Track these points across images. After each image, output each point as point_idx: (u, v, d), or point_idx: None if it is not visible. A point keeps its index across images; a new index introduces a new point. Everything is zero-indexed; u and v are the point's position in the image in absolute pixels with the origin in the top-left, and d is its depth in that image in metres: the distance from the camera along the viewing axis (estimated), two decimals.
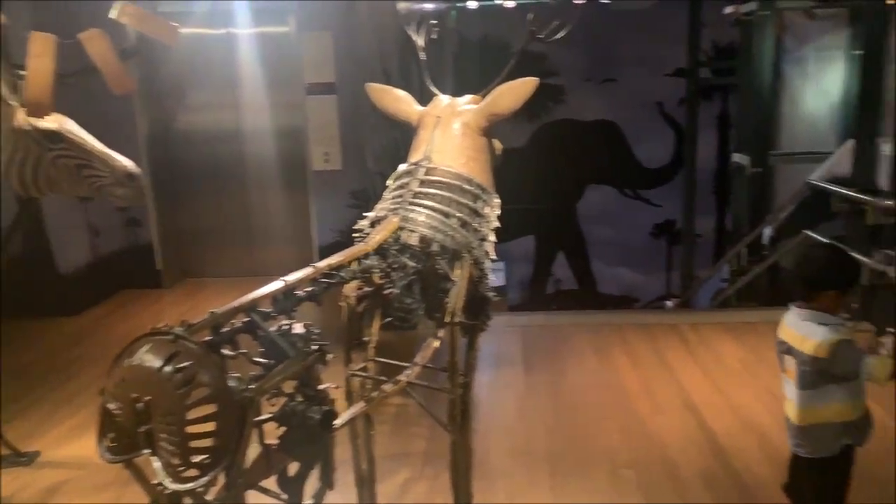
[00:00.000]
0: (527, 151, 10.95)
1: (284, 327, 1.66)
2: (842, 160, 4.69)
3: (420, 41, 2.61)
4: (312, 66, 5.27)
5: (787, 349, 2.08)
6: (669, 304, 8.43)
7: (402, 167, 2.36)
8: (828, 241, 4.43)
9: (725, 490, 2.80)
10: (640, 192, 10.71)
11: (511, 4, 7.96)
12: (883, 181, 4.18)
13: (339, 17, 5.00)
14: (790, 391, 2.11)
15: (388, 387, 2.18)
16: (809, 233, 4.72)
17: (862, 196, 4.09)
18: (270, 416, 1.55)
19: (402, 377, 2.20)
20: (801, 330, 2.04)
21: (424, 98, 2.52)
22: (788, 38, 7.61)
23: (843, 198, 4.29)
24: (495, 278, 2.89)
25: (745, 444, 3.10)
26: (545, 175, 10.91)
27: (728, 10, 6.21)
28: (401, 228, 2.13)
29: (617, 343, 4.36)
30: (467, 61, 9.57)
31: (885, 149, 4.14)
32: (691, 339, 4.38)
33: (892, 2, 4.24)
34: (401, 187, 2.28)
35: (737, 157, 5.91)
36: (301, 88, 5.33)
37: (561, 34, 2.46)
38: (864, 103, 4.34)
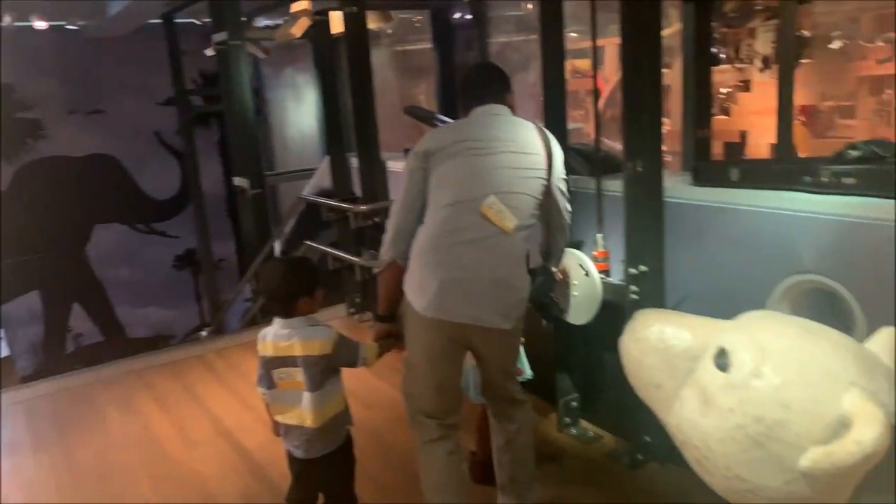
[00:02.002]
0: (11, 197, 9.45)
1: None
2: (324, 174, 5.25)
3: None
4: None
5: (281, 362, 2.17)
6: (204, 333, 8.32)
7: None
8: (321, 247, 4.94)
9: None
10: (152, 225, 10.29)
11: None
12: (358, 189, 4.81)
13: None
14: (293, 400, 2.19)
15: None
16: (310, 243, 5.17)
17: (342, 204, 4.65)
18: None
19: None
20: (299, 337, 2.16)
21: None
22: (266, 65, 8.21)
23: (329, 207, 4.82)
24: None
25: (276, 452, 3.21)
26: (41, 220, 9.60)
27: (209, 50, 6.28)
28: None
29: (144, 389, 4.09)
30: None
31: (354, 161, 4.78)
32: (218, 365, 4.37)
33: (337, 34, 4.88)
34: None
35: (238, 181, 6.10)
36: None
37: None
38: (329, 123, 4.93)
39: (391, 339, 2.38)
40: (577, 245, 3.05)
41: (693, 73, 3.23)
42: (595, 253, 2.94)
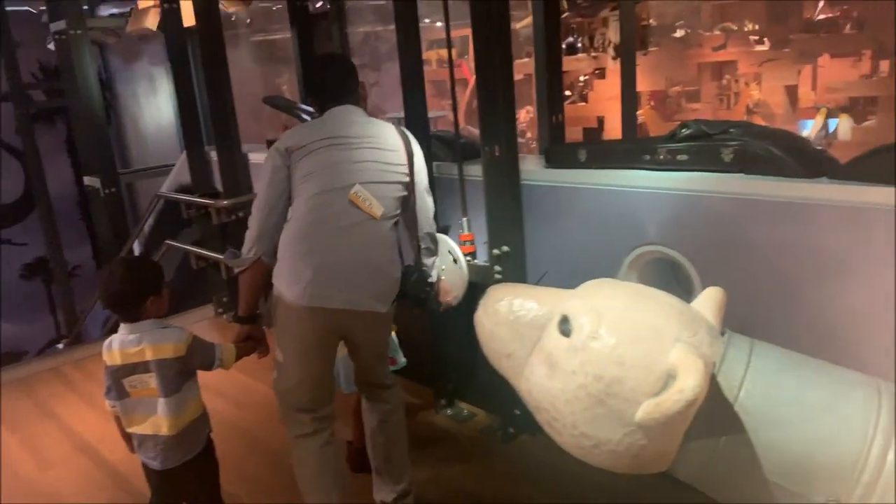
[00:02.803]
0: None
1: None
2: (182, 170, 5.02)
3: None
4: None
5: (131, 370, 2.06)
6: (60, 346, 7.73)
7: None
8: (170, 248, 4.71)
9: None
10: None
11: None
12: (219, 184, 4.64)
13: None
14: (147, 409, 2.09)
15: None
16: (171, 242, 4.93)
17: (202, 200, 4.47)
18: None
19: None
20: (149, 341, 2.06)
21: None
22: (114, 56, 7.71)
23: (189, 204, 4.61)
24: None
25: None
26: None
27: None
28: None
29: None
30: None
31: (214, 155, 4.60)
32: (76, 377, 4.10)
33: (191, 25, 4.66)
34: None
35: (88, 180, 5.70)
36: None
37: None
38: (185, 117, 4.71)
39: (251, 341, 2.32)
40: (445, 230, 3.11)
41: (544, 62, 3.36)
42: (460, 236, 3.01)
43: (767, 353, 1.39)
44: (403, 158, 2.34)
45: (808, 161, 2.15)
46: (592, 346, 1.30)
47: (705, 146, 2.31)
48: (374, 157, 2.28)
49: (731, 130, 2.29)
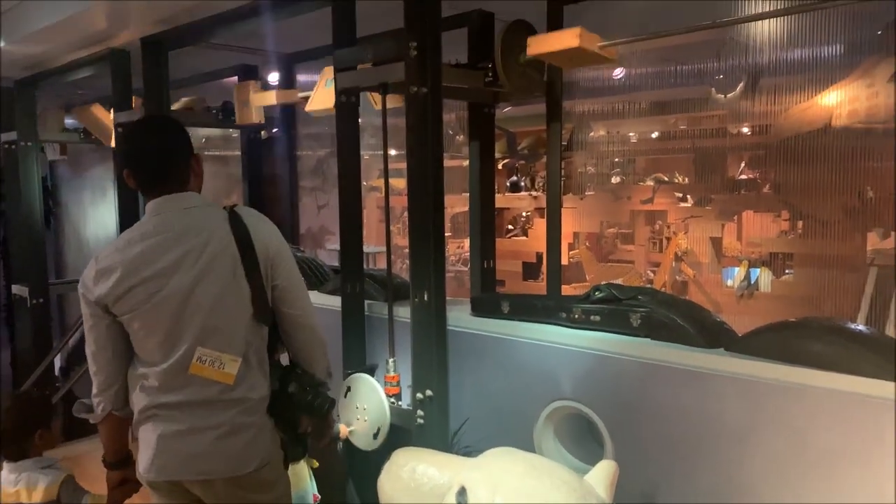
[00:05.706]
0: None
1: None
2: None
3: None
4: None
5: None
6: None
7: None
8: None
9: None
10: None
11: None
12: None
13: None
14: None
15: None
16: None
17: None
18: None
19: None
20: (24, 483, 2.03)
21: None
22: (65, 166, 7.76)
23: None
24: None
25: None
26: None
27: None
28: None
29: None
30: None
31: None
32: None
33: None
34: None
35: (17, 289, 5.58)
36: None
37: None
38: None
39: (129, 483, 2.15)
40: (372, 369, 3.14)
41: (478, 210, 3.55)
42: (386, 377, 3.04)
43: None
44: (240, 258, 1.97)
45: (707, 332, 2.31)
46: None
47: (616, 310, 2.47)
48: (211, 286, 1.91)
49: (640, 297, 2.46)
